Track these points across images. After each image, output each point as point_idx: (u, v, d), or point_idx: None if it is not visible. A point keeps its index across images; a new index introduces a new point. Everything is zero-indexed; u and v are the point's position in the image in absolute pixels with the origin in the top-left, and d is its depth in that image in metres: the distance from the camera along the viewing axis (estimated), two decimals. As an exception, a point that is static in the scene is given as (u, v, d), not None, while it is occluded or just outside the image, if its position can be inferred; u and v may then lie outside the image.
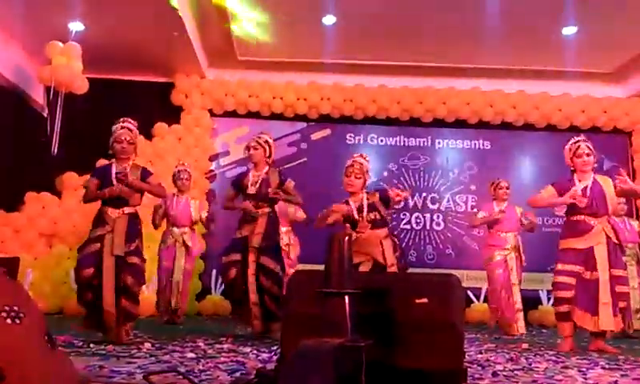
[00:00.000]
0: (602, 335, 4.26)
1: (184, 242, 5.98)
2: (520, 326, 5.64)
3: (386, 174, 8.54)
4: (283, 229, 5.87)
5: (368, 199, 4.36)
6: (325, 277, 1.76)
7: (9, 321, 0.73)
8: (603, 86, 8.61)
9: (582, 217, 4.31)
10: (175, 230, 6.00)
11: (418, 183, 8.54)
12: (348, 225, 4.41)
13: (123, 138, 4.09)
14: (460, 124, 8.67)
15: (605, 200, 4.32)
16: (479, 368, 3.01)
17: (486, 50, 7.76)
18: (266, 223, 4.50)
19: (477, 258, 8.15)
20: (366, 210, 4.31)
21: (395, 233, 8.20)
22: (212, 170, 8.44)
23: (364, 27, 7.38)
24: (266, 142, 4.70)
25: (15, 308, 0.74)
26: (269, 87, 8.45)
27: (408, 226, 8.45)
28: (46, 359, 0.75)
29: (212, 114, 8.50)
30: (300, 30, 7.53)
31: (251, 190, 4.58)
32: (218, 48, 8.08)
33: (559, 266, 4.36)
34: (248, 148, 4.75)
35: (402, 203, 6.23)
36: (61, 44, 6.77)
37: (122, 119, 4.18)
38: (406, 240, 8.39)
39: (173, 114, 8.27)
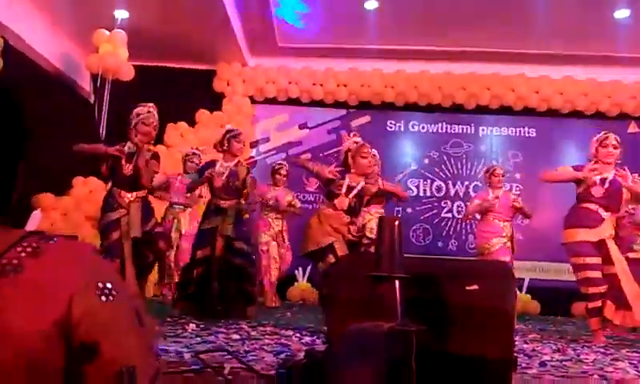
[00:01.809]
0: None
1: (178, 219, 6.18)
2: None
3: (427, 161, 8.44)
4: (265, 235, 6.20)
5: (363, 188, 4.25)
6: (375, 261, 1.75)
7: (103, 298, 0.75)
8: (656, 71, 8.27)
9: (595, 207, 4.18)
10: (172, 207, 6.20)
11: (460, 171, 8.41)
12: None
13: (151, 122, 4.19)
14: (504, 111, 8.46)
15: (620, 198, 4.22)
16: (526, 357, 2.96)
17: (533, 35, 7.52)
18: (235, 214, 4.57)
19: (521, 249, 7.98)
20: (354, 193, 4.18)
21: (436, 221, 8.21)
22: (252, 157, 8.50)
23: (406, 12, 7.27)
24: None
25: (108, 285, 0.76)
26: (309, 74, 8.44)
27: (449, 215, 8.34)
28: (137, 337, 0.78)
29: (253, 100, 8.55)
30: (341, 15, 7.47)
31: (218, 181, 4.58)
32: (259, 35, 8.10)
33: (587, 260, 4.15)
34: (233, 139, 4.73)
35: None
36: (107, 32, 6.91)
37: (145, 104, 4.26)
38: (447, 228, 8.29)
39: (215, 101, 8.36)
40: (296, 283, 7.59)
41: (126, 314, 0.78)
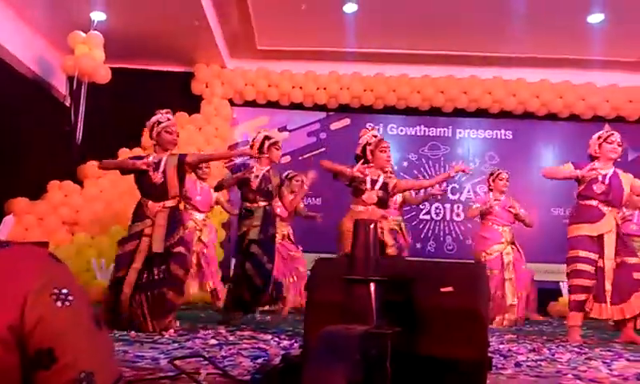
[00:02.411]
0: (627, 323, 4.22)
1: (200, 228, 6.11)
2: (507, 319, 5.56)
3: (405, 164, 8.50)
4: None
5: (385, 179, 4.37)
6: (350, 263, 1.75)
7: (59, 304, 0.74)
8: (629, 74, 8.42)
9: (596, 203, 4.29)
10: (197, 215, 6.09)
11: (438, 173, 8.47)
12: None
13: (174, 129, 4.10)
14: (481, 114, 8.57)
15: (621, 193, 4.30)
16: (502, 358, 2.99)
17: (509, 39, 7.65)
18: (262, 217, 4.65)
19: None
20: (379, 185, 4.30)
21: (414, 223, 8.26)
22: (232, 160, 8.46)
23: (385, 16, 7.32)
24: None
25: (64, 290, 0.75)
26: (288, 77, 8.45)
27: (428, 217, 8.40)
28: (95, 341, 0.77)
29: (232, 103, 8.53)
30: (320, 18, 7.49)
31: (254, 183, 4.71)
32: (238, 37, 8.08)
33: (580, 253, 4.25)
34: (272, 146, 4.86)
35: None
36: (83, 34, 6.83)
37: (163, 110, 4.17)
38: (425, 230, 8.35)
39: (193, 104, 8.32)
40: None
41: (83, 319, 0.77)
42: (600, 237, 4.23)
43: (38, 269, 0.77)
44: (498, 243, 5.69)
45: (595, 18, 7.21)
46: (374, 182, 4.31)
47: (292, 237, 6.37)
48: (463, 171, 4.70)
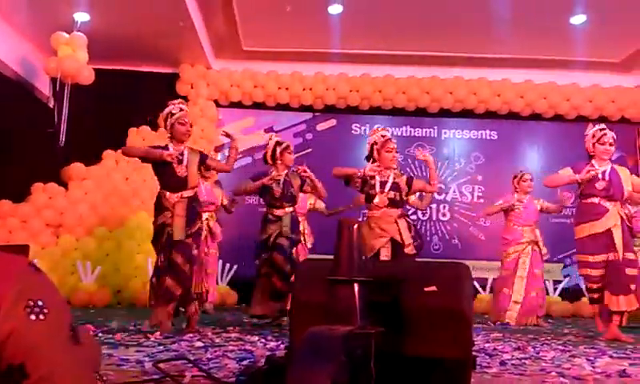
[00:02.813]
0: (619, 316, 4.30)
1: (209, 227, 6.10)
2: (509, 316, 5.63)
3: (391, 164, 8.51)
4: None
5: (394, 178, 4.40)
6: (334, 264, 1.75)
7: (33, 317, 0.71)
8: (611, 75, 8.53)
9: (598, 199, 4.36)
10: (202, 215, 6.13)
11: (424, 174, 8.50)
12: (363, 195, 4.49)
13: (186, 121, 4.09)
14: (466, 114, 8.63)
15: (621, 187, 4.38)
16: (487, 357, 3.00)
17: (493, 40, 7.71)
18: (290, 222, 4.77)
19: (483, 249, 8.16)
20: (389, 186, 4.34)
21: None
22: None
23: (370, 17, 7.34)
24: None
25: (40, 302, 0.72)
26: (274, 78, 8.44)
27: (414, 217, 8.41)
28: (70, 356, 0.73)
29: (217, 104, 8.50)
30: (306, 19, 7.49)
31: (277, 191, 4.79)
32: (223, 38, 8.06)
33: (584, 258, 4.39)
34: (285, 151, 4.90)
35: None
36: (66, 35, 6.77)
37: (177, 101, 4.19)
38: (411, 230, 8.37)
39: (178, 105, 8.26)
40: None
41: (59, 334, 0.74)
42: (608, 231, 4.29)
43: (12, 279, 0.75)
44: (518, 243, 5.78)
45: (578, 20, 7.29)
46: (383, 184, 4.35)
47: (307, 237, 6.35)
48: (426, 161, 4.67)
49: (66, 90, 6.84)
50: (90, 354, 0.93)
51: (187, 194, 3.99)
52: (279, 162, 4.87)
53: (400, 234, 4.25)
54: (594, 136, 4.48)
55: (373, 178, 4.36)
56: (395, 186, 4.35)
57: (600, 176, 4.36)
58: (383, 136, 4.52)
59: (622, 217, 4.34)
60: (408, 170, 8.48)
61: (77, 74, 6.80)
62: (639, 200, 5.96)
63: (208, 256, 6.10)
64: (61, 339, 0.74)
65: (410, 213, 8.32)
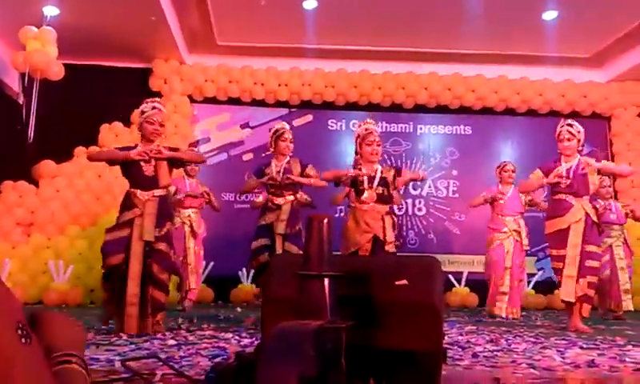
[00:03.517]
0: (579, 307, 4.39)
1: (191, 223, 6.10)
2: (499, 308, 5.71)
3: (367, 159, 8.53)
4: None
5: (382, 173, 4.41)
6: (304, 259, 1.74)
7: None
8: (583, 70, 8.67)
9: (564, 196, 4.49)
10: (185, 211, 6.10)
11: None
12: (352, 189, 4.52)
13: (155, 120, 3.97)
14: (441, 109, 8.68)
15: (586, 181, 4.47)
16: (459, 349, 3.03)
17: (467, 35, 7.76)
18: (289, 211, 4.54)
19: (458, 243, 8.24)
20: (377, 182, 4.35)
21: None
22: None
23: (345, 12, 7.33)
24: (290, 133, 4.80)
25: None
26: (249, 73, 8.38)
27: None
28: (21, 357, 0.67)
29: (192, 100, 8.41)
30: (281, 14, 7.45)
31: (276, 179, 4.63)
32: (197, 32, 7.97)
33: (553, 252, 4.56)
34: (278, 139, 4.71)
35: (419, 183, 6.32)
36: (35, 29, 6.61)
37: (150, 99, 4.11)
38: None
39: (152, 101, 8.14)
40: (239, 285, 7.52)
41: (4, 334, 0.68)
42: (569, 228, 4.40)
43: None
44: (501, 232, 5.86)
45: (550, 15, 7.39)
46: (372, 180, 4.35)
47: None
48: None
49: (35, 86, 6.68)
50: (56, 344, 0.87)
51: (159, 192, 3.89)
52: (275, 149, 4.73)
53: (384, 231, 4.26)
54: (556, 135, 4.63)
55: (361, 174, 4.39)
56: (383, 182, 4.38)
57: (565, 173, 4.47)
58: (366, 129, 4.51)
59: (587, 212, 4.42)
60: (384, 164, 8.48)
61: (46, 69, 6.64)
62: (607, 195, 6.10)
63: (196, 256, 6.15)
64: (7, 339, 0.68)
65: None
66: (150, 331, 3.62)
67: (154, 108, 4.01)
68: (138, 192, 3.86)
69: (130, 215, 3.80)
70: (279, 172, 4.62)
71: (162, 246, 3.80)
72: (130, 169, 3.92)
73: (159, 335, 3.53)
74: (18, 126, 6.88)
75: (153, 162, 3.90)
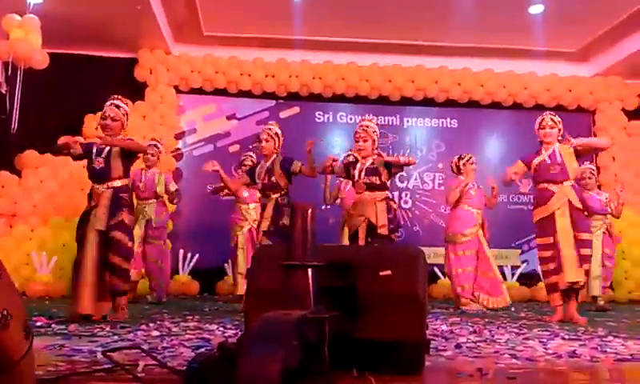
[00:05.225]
0: (574, 296, 4.43)
1: (146, 214, 6.09)
2: (484, 299, 5.78)
3: (354, 152, 8.53)
4: None
5: (373, 163, 4.58)
6: (288, 250, 1.74)
7: None
8: (568, 64, 8.73)
9: (545, 184, 4.58)
10: (139, 202, 6.08)
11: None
12: (344, 175, 4.83)
13: (107, 114, 4.12)
14: (428, 102, 8.70)
15: (563, 166, 4.54)
16: (443, 340, 3.05)
17: (454, 28, 7.77)
18: (272, 209, 4.66)
19: (439, 235, 8.26)
20: (364, 173, 4.56)
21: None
22: (178, 149, 8.29)
23: (332, 4, 7.30)
24: (276, 133, 4.91)
25: (4, 311, 0.70)
26: (236, 64, 8.32)
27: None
28: (26, 356, 0.71)
29: (178, 90, 8.33)
30: (268, 5, 7.40)
31: (259, 180, 4.80)
32: (183, 22, 7.90)
33: (538, 241, 4.65)
34: (259, 140, 4.95)
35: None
36: (18, 17, 6.50)
37: (113, 96, 4.25)
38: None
39: (137, 91, 8.03)
40: (225, 277, 7.50)
41: (17, 337, 0.71)
42: (552, 215, 4.48)
43: None
44: (473, 225, 5.91)
45: (536, 9, 7.41)
46: (361, 170, 4.57)
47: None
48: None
49: (18, 75, 6.57)
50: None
51: (113, 184, 4.03)
52: (259, 150, 4.99)
53: (376, 215, 4.45)
54: (538, 122, 4.74)
55: (354, 164, 4.65)
56: (373, 171, 4.55)
57: (549, 160, 4.57)
58: (358, 125, 4.82)
59: (569, 199, 4.46)
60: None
61: (30, 58, 6.53)
62: (590, 183, 6.14)
63: (163, 253, 6.18)
64: (18, 341, 0.73)
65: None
66: (106, 313, 3.89)
67: (110, 104, 4.18)
68: (95, 186, 4.05)
69: (88, 207, 4.02)
70: (261, 173, 4.79)
71: (117, 234, 3.95)
72: (87, 164, 4.12)
73: (143, 326, 3.51)
74: (1, 115, 6.76)
75: (103, 156, 4.05)
